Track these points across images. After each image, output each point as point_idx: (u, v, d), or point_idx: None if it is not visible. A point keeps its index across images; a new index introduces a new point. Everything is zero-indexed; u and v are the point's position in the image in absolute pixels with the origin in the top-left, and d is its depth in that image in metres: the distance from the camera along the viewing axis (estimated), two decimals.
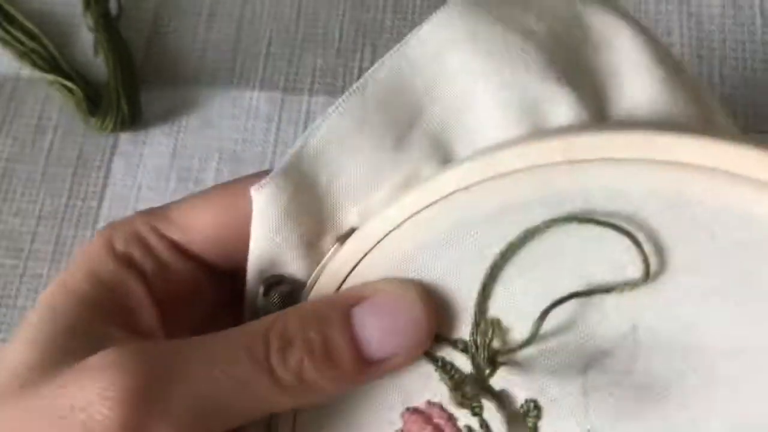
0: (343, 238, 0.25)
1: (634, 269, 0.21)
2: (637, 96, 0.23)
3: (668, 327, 0.21)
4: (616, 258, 0.21)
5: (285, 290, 0.25)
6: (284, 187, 0.24)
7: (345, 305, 0.23)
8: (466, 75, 0.23)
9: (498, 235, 0.22)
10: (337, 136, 0.24)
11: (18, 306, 0.42)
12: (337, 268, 0.24)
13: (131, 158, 0.45)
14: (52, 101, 0.46)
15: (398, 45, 0.23)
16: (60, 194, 0.44)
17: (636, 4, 0.47)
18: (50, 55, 0.46)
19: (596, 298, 0.22)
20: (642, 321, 0.22)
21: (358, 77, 0.45)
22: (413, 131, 0.24)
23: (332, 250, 0.25)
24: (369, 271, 0.24)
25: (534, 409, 0.23)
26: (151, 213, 0.26)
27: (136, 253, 0.25)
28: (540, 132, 0.22)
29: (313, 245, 0.25)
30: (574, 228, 0.22)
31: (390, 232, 0.24)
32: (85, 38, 0.47)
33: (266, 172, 0.25)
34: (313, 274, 0.25)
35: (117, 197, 0.44)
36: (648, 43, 0.23)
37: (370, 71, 0.24)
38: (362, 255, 0.24)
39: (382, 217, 0.24)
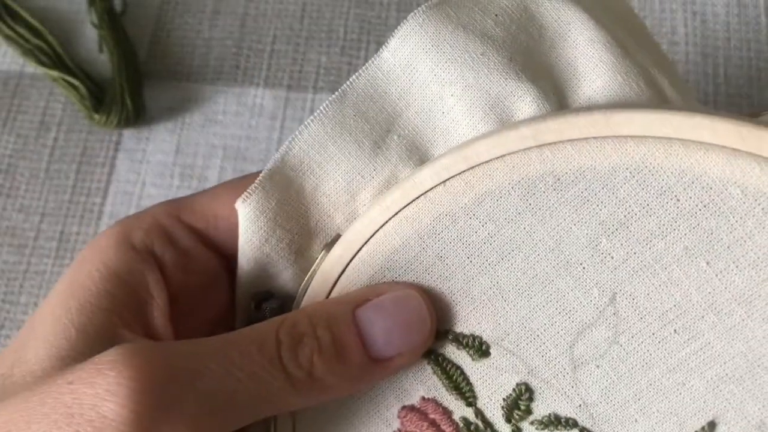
0: (329, 245, 0.25)
1: (606, 243, 0.22)
2: (594, 83, 0.24)
3: (646, 292, 0.22)
4: (590, 234, 0.22)
5: (275, 305, 0.25)
6: (270, 194, 0.25)
7: (350, 306, 0.24)
8: (434, 82, 0.24)
9: (477, 224, 0.23)
10: (319, 143, 0.25)
11: (21, 303, 0.42)
12: (327, 272, 0.25)
13: (135, 155, 0.45)
14: (56, 98, 0.46)
15: (373, 57, 0.25)
16: (64, 191, 0.44)
17: (641, 2, 0.47)
18: (54, 51, 0.46)
19: (575, 272, 0.23)
20: (620, 290, 0.23)
21: None
22: (390, 136, 0.25)
23: (320, 257, 0.25)
24: (359, 272, 0.25)
25: (526, 391, 0.24)
26: (173, 203, 0.26)
27: (157, 244, 0.25)
28: (508, 124, 0.24)
29: (301, 253, 0.26)
30: (548, 210, 0.23)
31: (375, 232, 0.24)
32: (90, 35, 0.47)
33: None
34: (303, 282, 0.25)
35: (120, 194, 0.44)
36: (598, 31, 0.24)
37: (348, 82, 0.25)
38: (350, 257, 0.24)
39: (366, 220, 0.24)
